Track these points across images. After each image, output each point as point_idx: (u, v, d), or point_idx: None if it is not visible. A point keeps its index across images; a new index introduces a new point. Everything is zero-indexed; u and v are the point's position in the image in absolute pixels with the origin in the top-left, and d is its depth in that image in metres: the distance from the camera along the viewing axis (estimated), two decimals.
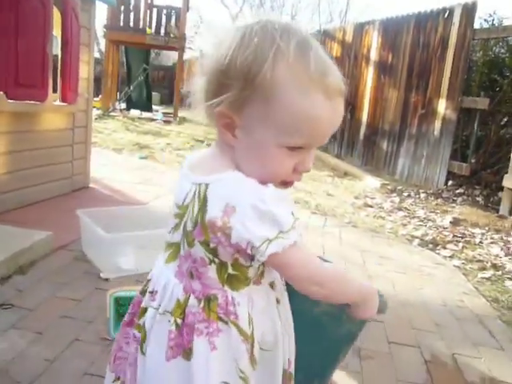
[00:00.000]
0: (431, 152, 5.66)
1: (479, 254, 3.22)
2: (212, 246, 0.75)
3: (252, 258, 0.74)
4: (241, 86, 0.68)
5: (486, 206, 4.73)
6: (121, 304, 1.62)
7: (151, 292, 0.85)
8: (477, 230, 3.77)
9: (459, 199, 4.86)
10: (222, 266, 0.78)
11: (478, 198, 4.95)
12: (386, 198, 4.74)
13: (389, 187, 5.26)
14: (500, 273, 2.91)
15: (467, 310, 2.30)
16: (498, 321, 2.23)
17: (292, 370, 0.90)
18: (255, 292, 0.81)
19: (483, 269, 2.95)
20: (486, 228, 3.87)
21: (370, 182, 5.45)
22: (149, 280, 0.88)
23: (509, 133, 5.42)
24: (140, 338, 0.84)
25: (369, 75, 7.04)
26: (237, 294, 0.79)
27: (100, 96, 10.38)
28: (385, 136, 6.55)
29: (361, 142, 7.10)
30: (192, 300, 0.78)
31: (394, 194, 4.98)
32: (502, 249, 3.37)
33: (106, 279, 2.06)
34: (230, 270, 0.78)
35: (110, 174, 4.28)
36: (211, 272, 0.78)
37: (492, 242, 3.52)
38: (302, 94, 0.67)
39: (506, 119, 5.43)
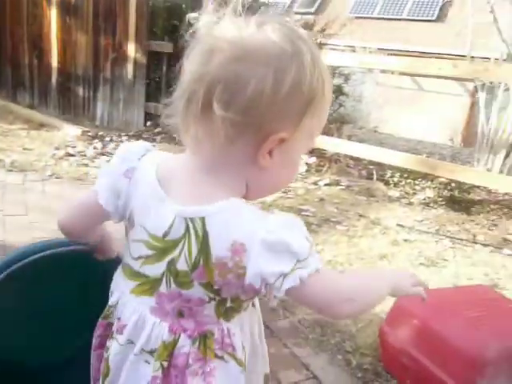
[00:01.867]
0: (127, 95, 5.83)
1: None
2: (216, 287, 0.67)
3: (258, 293, 0.67)
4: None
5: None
6: None
7: (118, 318, 0.75)
8: None
9: (158, 138, 5.22)
10: (221, 302, 0.70)
11: (175, 135, 5.41)
12: (88, 145, 4.72)
13: (90, 134, 5.23)
14: None
15: None
16: None
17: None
18: (244, 317, 0.75)
19: None
20: None
21: (70, 131, 5.29)
22: (111, 306, 0.78)
23: None
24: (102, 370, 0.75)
25: (52, 16, 6.58)
26: (231, 325, 0.73)
27: None
28: (79, 81, 6.36)
29: (54, 89, 6.70)
30: (183, 340, 0.70)
31: (96, 140, 4.99)
32: None
33: None
34: (228, 304, 0.71)
35: None
36: (208, 309, 0.70)
37: None
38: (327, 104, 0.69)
39: None
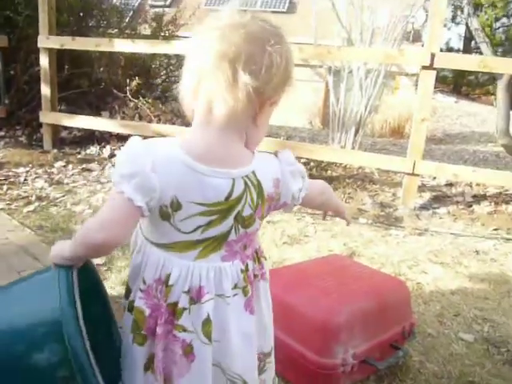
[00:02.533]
0: None
1: (24, 192, 3.26)
2: (264, 215, 0.93)
3: (286, 206, 0.98)
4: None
5: (30, 144, 4.77)
6: None
7: (187, 291, 0.87)
8: (21, 169, 3.77)
9: (1, 142, 4.69)
10: (260, 225, 0.94)
11: (21, 138, 4.91)
12: None
13: None
14: (45, 203, 3.05)
15: (13, 245, 2.32)
16: (42, 244, 2.36)
17: None
18: None
19: (28, 203, 3.01)
20: (30, 165, 3.92)
21: None
22: (171, 285, 0.87)
23: (37, 71, 5.48)
24: (200, 329, 0.87)
25: None
26: (258, 240, 1.00)
27: None
28: None
29: None
30: (250, 264, 0.94)
31: None
32: (46, 181, 3.52)
33: None
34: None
35: None
36: (256, 236, 0.97)
37: (37, 177, 3.62)
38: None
39: (34, 56, 5.45)
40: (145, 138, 3.55)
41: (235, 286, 0.91)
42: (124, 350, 0.93)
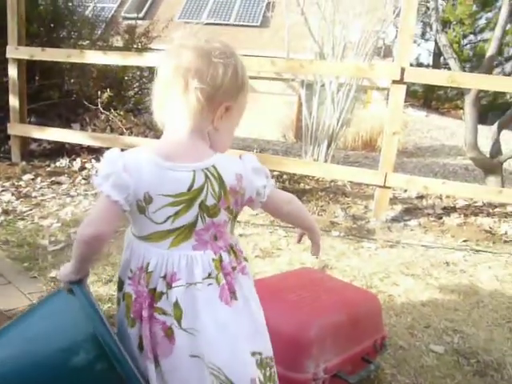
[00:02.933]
0: None
1: None
2: (231, 207, 1.00)
3: (251, 202, 1.05)
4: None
5: None
6: None
7: (163, 276, 0.96)
8: None
9: None
10: (232, 221, 1.04)
11: None
12: None
13: None
14: (12, 217, 2.96)
15: None
16: (6, 259, 2.29)
17: None
18: None
19: None
20: None
21: None
22: (151, 271, 0.97)
23: (5, 82, 5.37)
24: (173, 314, 0.96)
25: None
26: (235, 238, 1.08)
27: None
28: None
29: None
30: (223, 255, 1.00)
31: None
32: (13, 194, 3.42)
33: None
34: (234, 221, 1.05)
35: None
36: (227, 228, 1.03)
37: (3, 190, 3.52)
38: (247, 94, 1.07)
39: (1, 67, 5.33)
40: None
41: (209, 276, 0.98)
42: (121, 334, 1.04)
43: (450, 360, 1.72)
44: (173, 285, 0.96)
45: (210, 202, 0.97)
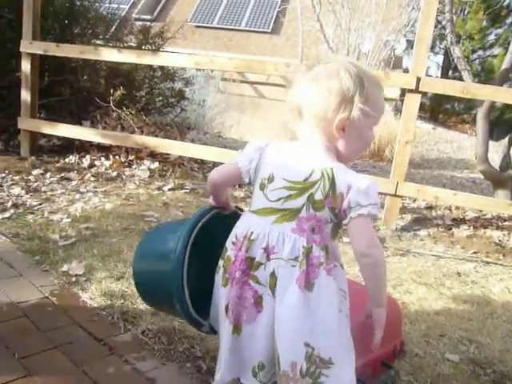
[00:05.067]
0: None
1: (0, 198, 3.15)
2: (336, 210, 1.07)
3: (345, 214, 1.07)
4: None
5: (7, 150, 4.65)
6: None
7: (265, 248, 1.08)
8: None
9: None
10: (336, 225, 1.09)
11: None
12: None
13: None
14: (21, 210, 2.95)
15: None
16: (17, 252, 2.27)
17: None
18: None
19: (4, 210, 2.90)
20: (7, 171, 3.81)
21: None
22: (253, 240, 1.10)
23: (18, 76, 5.38)
24: (268, 284, 1.08)
25: None
26: (335, 244, 1.12)
27: None
28: None
29: None
30: (315, 247, 1.06)
31: None
32: (22, 188, 3.41)
33: None
34: (337, 228, 1.10)
35: None
36: (328, 228, 1.08)
37: (13, 184, 3.51)
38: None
39: (14, 62, 5.34)
40: (126, 148, 3.50)
41: (295, 258, 1.06)
42: (215, 290, 1.20)
43: (466, 369, 1.69)
44: (271, 257, 1.07)
45: (318, 196, 1.07)
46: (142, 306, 1.84)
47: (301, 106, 1.13)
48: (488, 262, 2.94)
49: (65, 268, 2.11)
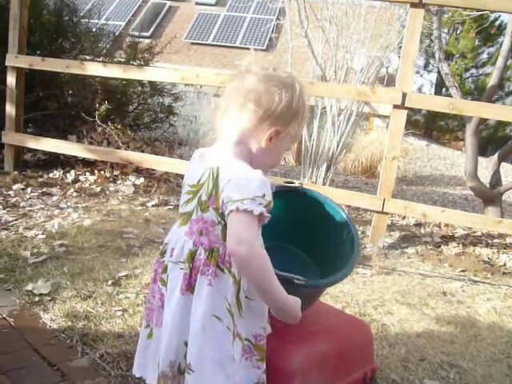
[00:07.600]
0: None
1: None
2: (221, 211, 1.04)
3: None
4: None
5: None
6: None
7: (171, 251, 1.12)
8: None
9: None
10: (225, 227, 1.04)
11: None
12: None
13: None
14: None
15: None
16: None
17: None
18: None
19: None
20: None
21: None
22: (166, 243, 1.16)
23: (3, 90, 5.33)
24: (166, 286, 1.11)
25: None
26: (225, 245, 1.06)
27: None
28: None
29: None
30: (200, 250, 1.07)
31: None
32: (0, 203, 3.33)
33: None
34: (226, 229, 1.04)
35: None
36: (217, 231, 1.07)
37: None
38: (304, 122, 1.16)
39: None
40: (111, 164, 3.42)
41: (182, 261, 1.08)
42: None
43: None
44: (170, 259, 1.12)
45: (204, 197, 1.07)
46: (105, 327, 1.75)
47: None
48: (476, 281, 2.86)
49: (29, 287, 2.02)
